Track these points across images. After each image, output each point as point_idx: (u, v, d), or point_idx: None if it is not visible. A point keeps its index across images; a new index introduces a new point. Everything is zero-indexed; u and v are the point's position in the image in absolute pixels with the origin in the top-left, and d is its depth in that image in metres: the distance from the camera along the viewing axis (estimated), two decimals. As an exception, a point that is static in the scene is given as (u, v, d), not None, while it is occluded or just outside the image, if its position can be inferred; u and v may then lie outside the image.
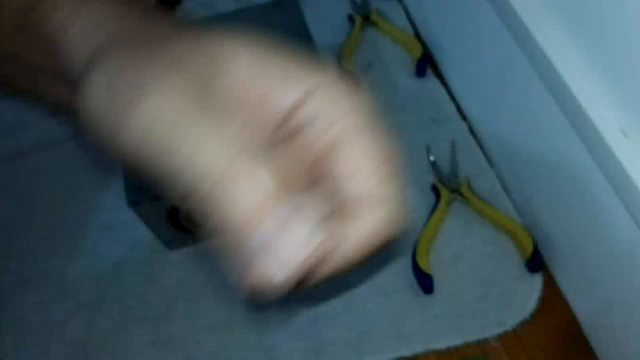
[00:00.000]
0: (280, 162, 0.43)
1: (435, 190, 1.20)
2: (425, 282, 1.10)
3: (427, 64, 1.38)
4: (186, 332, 1.12)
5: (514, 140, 1.13)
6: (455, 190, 1.19)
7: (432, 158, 1.25)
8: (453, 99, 1.34)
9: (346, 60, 1.39)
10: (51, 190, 1.30)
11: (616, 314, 0.95)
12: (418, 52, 1.38)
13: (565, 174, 0.96)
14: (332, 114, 0.45)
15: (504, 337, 1.07)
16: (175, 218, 1.10)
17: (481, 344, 1.07)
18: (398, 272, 1.14)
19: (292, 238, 0.40)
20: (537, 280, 1.11)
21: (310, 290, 0.44)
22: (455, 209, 1.20)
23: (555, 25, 0.85)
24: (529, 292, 1.10)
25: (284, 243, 0.40)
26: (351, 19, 1.48)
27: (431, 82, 1.38)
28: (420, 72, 1.37)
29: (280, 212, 0.40)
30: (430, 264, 1.13)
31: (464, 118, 1.31)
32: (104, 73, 0.42)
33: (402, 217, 0.45)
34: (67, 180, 1.31)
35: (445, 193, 1.18)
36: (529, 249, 1.10)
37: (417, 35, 1.46)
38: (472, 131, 1.29)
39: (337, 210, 0.44)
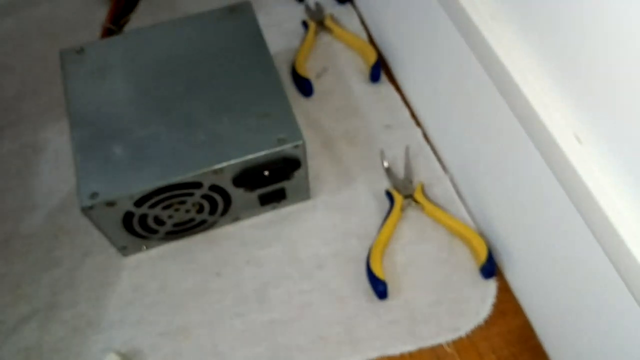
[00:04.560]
0: None
1: (389, 195, 1.20)
2: (379, 288, 1.10)
3: (381, 69, 1.38)
4: (140, 338, 1.11)
5: (468, 146, 1.13)
6: (409, 196, 1.20)
7: (385, 163, 1.25)
8: (407, 104, 1.35)
9: (300, 65, 1.39)
10: (5, 196, 1.27)
11: (569, 318, 0.95)
12: (372, 57, 1.38)
13: (519, 180, 0.97)
14: None
15: (458, 343, 1.07)
16: (129, 223, 1.08)
17: (435, 350, 1.07)
18: (352, 277, 1.14)
19: None
20: (491, 286, 1.12)
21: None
22: (409, 215, 1.20)
23: (509, 31, 0.86)
24: (483, 297, 1.11)
25: None
26: (305, 24, 1.47)
27: (385, 87, 1.38)
28: (374, 77, 1.37)
29: None
30: (384, 270, 1.13)
31: (418, 123, 1.32)
32: None
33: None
34: (20, 184, 1.28)
35: (399, 198, 1.19)
36: (483, 254, 1.11)
37: (371, 41, 1.47)
38: (426, 137, 1.30)
39: None
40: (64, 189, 1.27)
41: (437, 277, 1.13)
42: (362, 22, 1.50)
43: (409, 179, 1.22)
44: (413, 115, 1.33)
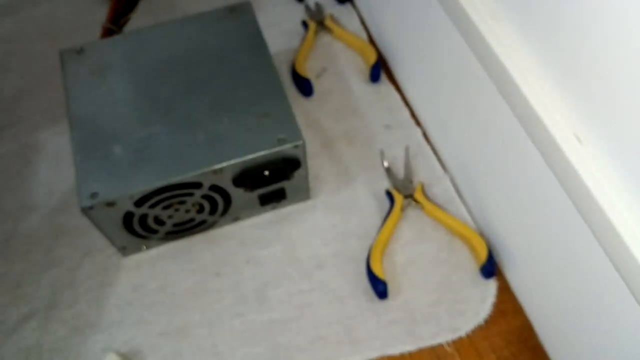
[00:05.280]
0: None
1: (389, 195, 1.20)
2: (379, 288, 1.10)
3: (381, 69, 1.38)
4: (140, 338, 1.11)
5: (468, 146, 1.13)
6: (409, 196, 1.20)
7: (385, 163, 1.25)
8: (407, 104, 1.35)
9: (300, 65, 1.39)
10: (4, 196, 1.27)
11: (569, 318, 0.95)
12: (372, 57, 1.38)
13: (519, 180, 0.97)
14: None
15: (458, 343, 1.07)
16: (129, 223, 1.08)
17: (435, 350, 1.07)
18: (352, 277, 1.14)
19: None
20: (491, 286, 1.12)
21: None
22: (409, 214, 1.20)
23: (509, 31, 0.86)
24: (483, 297, 1.11)
25: None
26: (305, 24, 1.47)
27: (385, 87, 1.38)
28: (374, 77, 1.37)
29: None
30: (384, 270, 1.13)
31: (418, 123, 1.32)
32: None
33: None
34: (20, 184, 1.28)
35: (399, 198, 1.19)
36: (483, 254, 1.11)
37: (371, 41, 1.47)
38: (426, 137, 1.30)
39: None
40: (64, 189, 1.27)
41: (437, 277, 1.13)
42: (362, 22, 1.50)
43: (409, 178, 1.22)
44: (413, 115, 1.33)
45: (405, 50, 1.31)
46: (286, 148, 1.05)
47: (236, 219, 1.20)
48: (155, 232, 1.14)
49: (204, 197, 1.09)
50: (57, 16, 1.56)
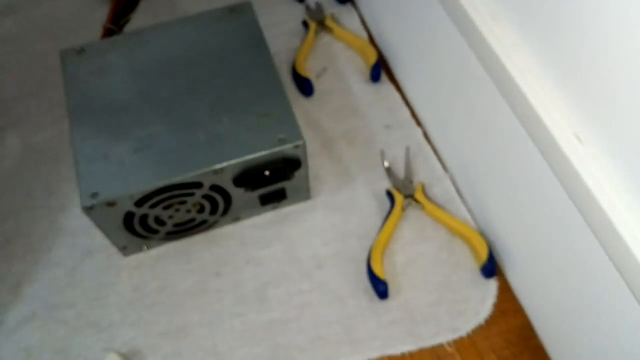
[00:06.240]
0: None
1: (389, 195, 1.20)
2: (379, 288, 1.10)
3: (381, 69, 1.38)
4: (140, 338, 1.11)
5: (468, 146, 1.13)
6: (410, 196, 1.20)
7: (386, 163, 1.25)
8: (407, 104, 1.35)
9: (300, 65, 1.39)
10: (5, 196, 1.27)
11: (570, 318, 0.95)
12: (372, 57, 1.38)
13: (520, 180, 0.97)
14: None
15: (458, 342, 1.07)
16: (130, 223, 1.08)
17: (435, 350, 1.07)
18: (352, 277, 1.14)
19: None
20: (492, 286, 1.12)
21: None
22: (409, 214, 1.20)
23: (509, 31, 0.86)
24: (483, 297, 1.11)
25: None
26: (305, 24, 1.47)
27: (385, 87, 1.38)
28: (374, 77, 1.37)
29: None
30: (385, 269, 1.13)
31: (418, 123, 1.32)
32: None
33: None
34: (20, 184, 1.28)
35: (399, 198, 1.19)
36: (484, 254, 1.11)
37: (371, 41, 1.47)
38: (426, 137, 1.29)
39: None
40: (64, 189, 1.27)
41: (437, 277, 1.13)
42: (363, 22, 1.50)
43: (409, 178, 1.22)
44: (413, 115, 1.33)
45: (406, 50, 1.31)
46: (286, 148, 1.05)
47: (236, 219, 1.20)
48: (155, 232, 1.14)
49: (205, 197, 1.09)
50: (57, 16, 1.56)
